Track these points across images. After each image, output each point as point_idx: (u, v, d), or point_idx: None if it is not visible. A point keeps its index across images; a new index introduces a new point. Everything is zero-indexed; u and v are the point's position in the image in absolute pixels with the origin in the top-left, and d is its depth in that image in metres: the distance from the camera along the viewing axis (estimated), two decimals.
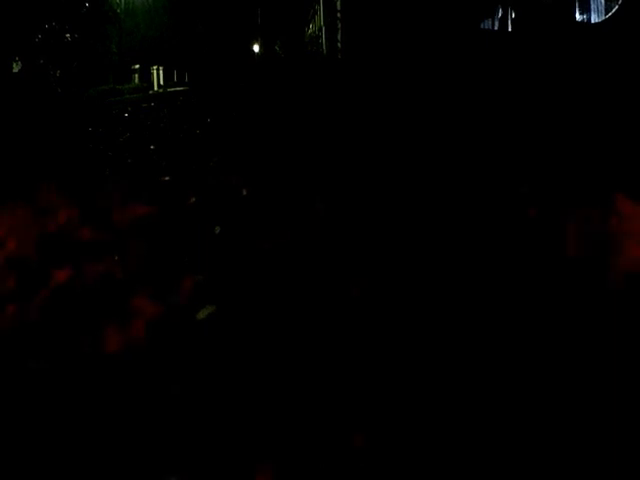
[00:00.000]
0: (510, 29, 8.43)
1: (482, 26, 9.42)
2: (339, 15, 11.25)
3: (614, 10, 6.74)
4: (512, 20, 8.33)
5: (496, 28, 9.06)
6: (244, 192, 2.51)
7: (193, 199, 2.43)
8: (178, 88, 18.10)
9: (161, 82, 23.81)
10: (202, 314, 1.69)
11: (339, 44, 11.50)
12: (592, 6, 7.62)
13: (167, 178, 3.14)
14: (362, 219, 2.16)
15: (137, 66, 22.68)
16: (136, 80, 21.92)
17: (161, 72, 24.14)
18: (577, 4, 7.77)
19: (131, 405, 1.46)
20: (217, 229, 2.17)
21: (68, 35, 16.27)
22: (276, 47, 18.17)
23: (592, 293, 1.69)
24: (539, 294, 1.72)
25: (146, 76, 22.78)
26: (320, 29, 16.62)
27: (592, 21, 7.55)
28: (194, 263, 1.98)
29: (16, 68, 15.66)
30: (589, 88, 4.91)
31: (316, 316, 1.67)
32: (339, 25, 11.41)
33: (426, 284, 1.79)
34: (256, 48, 24.00)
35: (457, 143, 3.94)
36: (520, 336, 1.59)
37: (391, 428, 1.36)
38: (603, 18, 7.25)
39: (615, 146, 3.48)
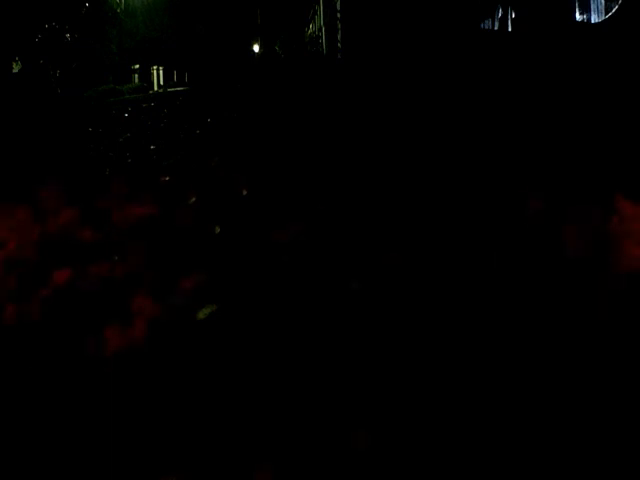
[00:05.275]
0: (510, 29, 8.44)
1: (482, 26, 9.43)
2: (339, 15, 11.26)
3: (614, 10, 6.74)
4: (512, 20, 8.33)
5: (496, 28, 9.06)
6: (244, 192, 2.51)
7: (193, 199, 2.43)
8: (178, 88, 18.09)
9: (161, 82, 23.84)
10: (202, 314, 1.69)
11: (339, 44, 11.51)
12: (592, 6, 7.62)
13: (167, 178, 3.13)
14: (364, 220, 2.15)
15: (137, 66, 22.71)
16: (136, 80, 21.94)
17: (161, 72, 24.17)
18: (577, 4, 7.77)
19: (131, 405, 1.46)
20: (217, 229, 2.17)
21: (68, 35, 16.29)
22: (276, 47, 18.17)
23: (591, 294, 1.68)
24: (538, 294, 1.72)
25: (146, 76, 22.80)
26: (320, 29, 16.63)
27: (592, 21, 7.55)
28: (194, 263, 1.97)
29: (16, 68, 15.67)
30: (589, 88, 4.92)
31: (317, 313, 1.67)
32: (339, 25, 11.42)
33: (425, 284, 1.79)
34: (256, 48, 24.01)
35: (457, 143, 3.94)
36: (519, 336, 1.59)
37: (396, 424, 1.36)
38: (603, 18, 7.26)
39: (615, 146, 3.48)
